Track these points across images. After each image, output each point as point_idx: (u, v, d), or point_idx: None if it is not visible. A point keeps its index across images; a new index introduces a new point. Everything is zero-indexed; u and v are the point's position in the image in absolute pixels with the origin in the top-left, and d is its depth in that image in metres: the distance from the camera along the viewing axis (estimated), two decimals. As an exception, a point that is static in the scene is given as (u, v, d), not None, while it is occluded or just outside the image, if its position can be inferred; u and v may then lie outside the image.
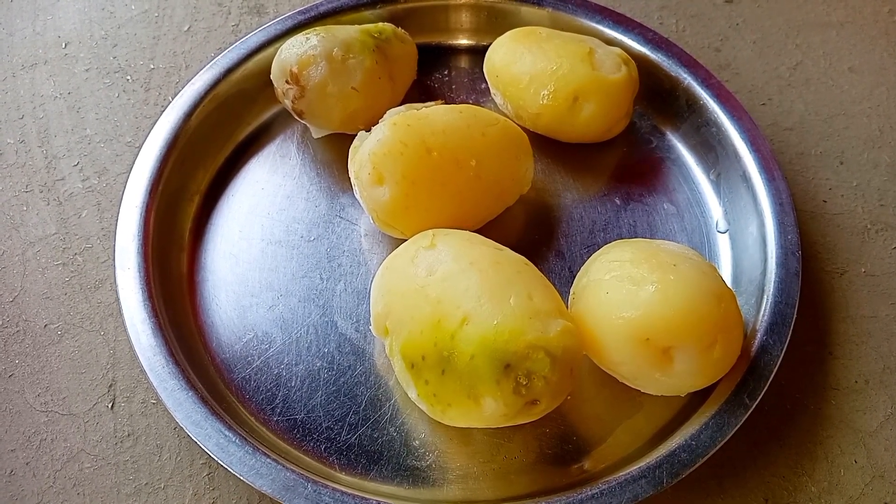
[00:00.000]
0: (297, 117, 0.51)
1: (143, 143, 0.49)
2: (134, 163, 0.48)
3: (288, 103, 0.50)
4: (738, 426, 0.40)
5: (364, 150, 0.44)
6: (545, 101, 0.50)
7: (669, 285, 0.39)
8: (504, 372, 0.36)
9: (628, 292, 0.40)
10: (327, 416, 0.43)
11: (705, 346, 0.39)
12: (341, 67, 0.49)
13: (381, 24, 0.53)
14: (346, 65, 0.49)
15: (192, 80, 0.52)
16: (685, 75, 0.53)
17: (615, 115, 0.50)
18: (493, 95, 0.53)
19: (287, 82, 0.49)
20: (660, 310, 0.39)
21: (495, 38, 0.53)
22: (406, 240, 0.43)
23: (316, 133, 0.53)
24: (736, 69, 0.59)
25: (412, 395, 0.40)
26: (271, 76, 0.50)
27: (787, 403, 0.45)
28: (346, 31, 0.50)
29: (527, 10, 0.55)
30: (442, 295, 0.38)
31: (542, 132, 0.53)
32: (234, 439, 0.39)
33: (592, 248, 0.46)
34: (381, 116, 0.46)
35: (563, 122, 0.50)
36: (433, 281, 0.39)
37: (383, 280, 0.42)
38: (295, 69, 0.49)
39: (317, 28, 0.51)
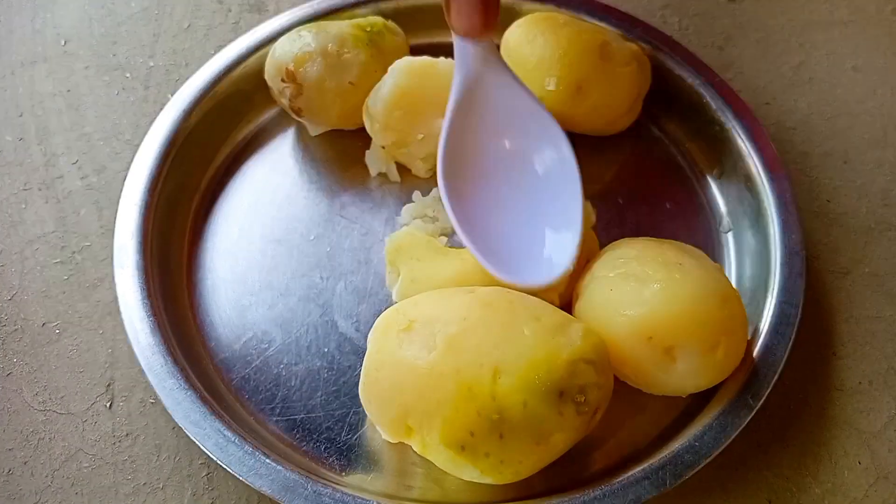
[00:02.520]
0: (294, 116, 0.51)
1: (142, 141, 0.49)
2: (133, 161, 0.48)
3: (285, 102, 0.50)
4: (742, 427, 0.40)
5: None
6: (549, 87, 0.49)
7: (674, 284, 0.39)
8: (561, 400, 0.35)
9: (632, 290, 0.39)
10: (327, 416, 0.43)
11: (708, 347, 0.39)
12: (337, 63, 0.48)
13: (370, 17, 0.53)
14: (341, 60, 0.48)
15: (192, 78, 0.51)
16: (688, 74, 0.52)
17: (619, 108, 0.50)
18: None
19: (283, 80, 0.49)
20: (663, 309, 0.38)
21: (498, 36, 0.53)
22: None
23: (313, 130, 0.52)
24: (739, 68, 0.59)
25: (471, 476, 0.37)
26: (266, 76, 0.50)
27: (791, 404, 0.45)
28: (337, 27, 0.50)
29: (529, 8, 0.55)
30: (457, 364, 0.36)
31: None
32: (233, 439, 0.39)
33: (595, 247, 0.46)
34: None
35: (565, 109, 0.50)
36: (438, 356, 0.36)
37: (381, 384, 0.38)
38: (291, 67, 0.48)
39: (308, 25, 0.51)
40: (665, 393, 0.42)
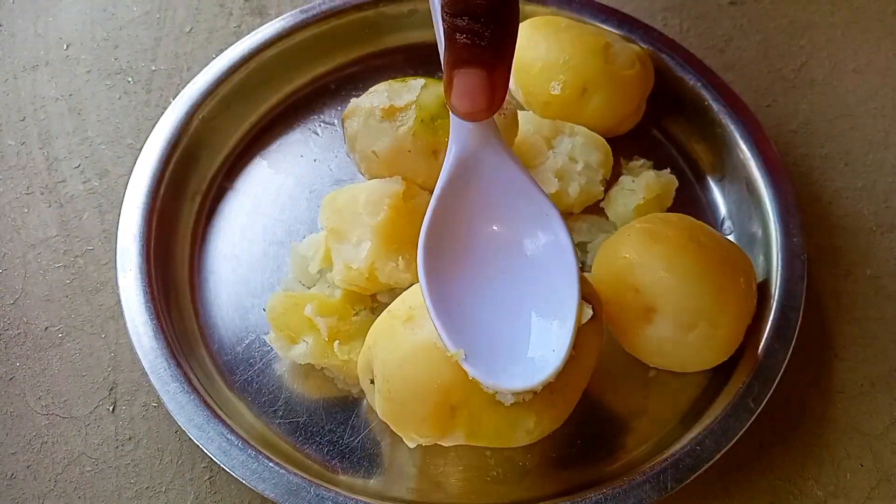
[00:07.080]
0: None
1: (143, 145, 0.49)
2: (135, 164, 0.48)
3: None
4: (744, 430, 0.40)
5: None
6: (555, 91, 0.49)
7: (682, 252, 0.40)
8: None
9: (642, 242, 0.41)
10: (330, 418, 0.43)
11: (684, 323, 0.40)
12: (376, 126, 0.44)
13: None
14: (379, 125, 0.43)
15: (194, 81, 0.51)
16: (690, 76, 0.52)
17: (624, 110, 0.50)
18: None
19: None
20: (659, 269, 0.40)
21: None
22: None
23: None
24: (740, 70, 0.59)
25: (527, 428, 0.36)
26: None
27: (793, 407, 0.45)
28: (413, 90, 0.44)
29: (531, 10, 0.54)
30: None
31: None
32: (235, 442, 0.39)
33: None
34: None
35: (571, 112, 0.50)
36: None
37: (410, 378, 0.36)
38: (346, 113, 0.46)
39: (406, 78, 0.45)
40: (635, 355, 0.43)
